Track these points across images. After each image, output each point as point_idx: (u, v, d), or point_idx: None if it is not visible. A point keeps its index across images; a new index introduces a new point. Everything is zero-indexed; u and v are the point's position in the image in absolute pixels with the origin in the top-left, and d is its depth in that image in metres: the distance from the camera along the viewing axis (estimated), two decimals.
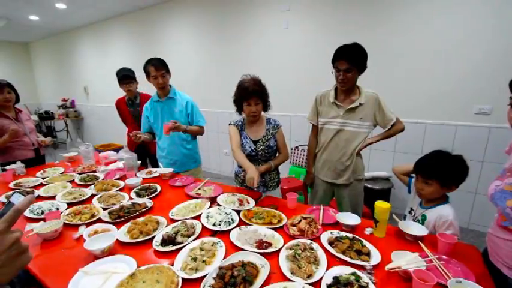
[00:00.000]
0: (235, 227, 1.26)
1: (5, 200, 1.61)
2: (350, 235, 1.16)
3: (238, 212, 1.40)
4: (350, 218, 1.29)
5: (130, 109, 2.81)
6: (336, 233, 1.20)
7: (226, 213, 1.38)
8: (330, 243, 1.12)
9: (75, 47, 6.30)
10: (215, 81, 4.14)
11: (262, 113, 1.76)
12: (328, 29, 3.03)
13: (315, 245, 1.09)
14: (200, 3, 3.99)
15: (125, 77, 2.65)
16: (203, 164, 2.49)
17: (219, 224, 1.28)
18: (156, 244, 1.13)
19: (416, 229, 1.17)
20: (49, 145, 2.59)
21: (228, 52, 3.89)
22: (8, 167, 2.09)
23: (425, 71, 2.62)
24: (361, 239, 1.13)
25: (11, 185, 1.86)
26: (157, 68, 1.97)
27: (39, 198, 1.67)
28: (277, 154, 1.83)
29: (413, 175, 1.42)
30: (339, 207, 1.83)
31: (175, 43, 4.44)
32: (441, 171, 1.22)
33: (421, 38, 2.57)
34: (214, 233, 1.24)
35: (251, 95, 1.60)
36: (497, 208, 0.93)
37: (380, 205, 1.18)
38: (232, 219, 1.32)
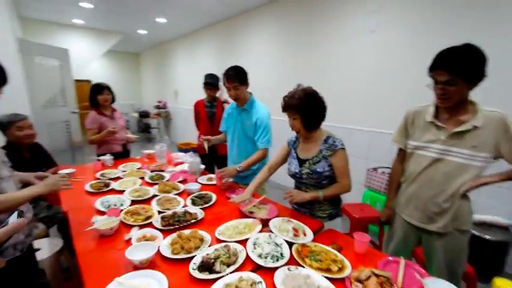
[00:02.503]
0: (284, 265, 1.05)
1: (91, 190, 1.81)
2: None
3: (290, 244, 1.18)
4: None
5: (207, 110, 3.00)
6: None
7: (276, 243, 1.17)
8: None
9: (170, 55, 7.20)
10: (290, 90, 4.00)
11: (323, 130, 1.51)
12: (428, 29, 2.48)
13: None
14: (281, 12, 3.93)
15: (208, 83, 2.86)
16: None
17: (265, 257, 1.08)
18: (193, 267, 1.02)
19: None
20: (134, 141, 2.91)
21: (308, 60, 3.67)
22: (101, 158, 2.42)
23: None
24: None
25: (98, 175, 2.12)
26: (228, 79, 1.89)
27: (113, 191, 1.82)
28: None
29: None
30: (428, 262, 1.38)
31: (255, 51, 4.50)
32: None
33: None
34: (257, 268, 1.05)
35: (285, 107, 1.44)
36: None
37: (503, 285, 0.77)
38: (281, 254, 1.10)
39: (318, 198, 1.44)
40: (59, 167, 2.21)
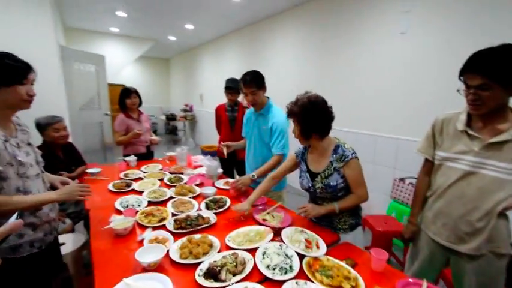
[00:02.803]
0: (292, 278, 1.00)
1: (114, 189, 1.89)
2: None
3: (302, 256, 1.12)
4: None
5: (228, 114, 3.01)
6: None
7: (286, 254, 1.13)
8: None
9: (197, 60, 7.43)
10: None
11: (332, 138, 1.43)
12: (463, 31, 2.29)
13: None
14: (306, 15, 3.88)
15: (229, 88, 2.89)
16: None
17: (273, 269, 1.04)
18: (198, 273, 1.01)
19: None
20: (158, 144, 3.01)
21: (333, 64, 3.55)
22: (126, 158, 2.53)
23: None
24: None
25: (121, 175, 2.21)
26: (245, 85, 1.87)
27: (133, 191, 1.88)
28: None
29: None
30: (457, 286, 1.24)
31: (280, 55, 4.47)
32: None
33: None
34: (263, 279, 1.01)
35: (288, 114, 1.40)
36: None
37: None
38: (290, 267, 1.05)
39: (334, 211, 1.37)
40: (87, 166, 2.34)
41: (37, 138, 2.05)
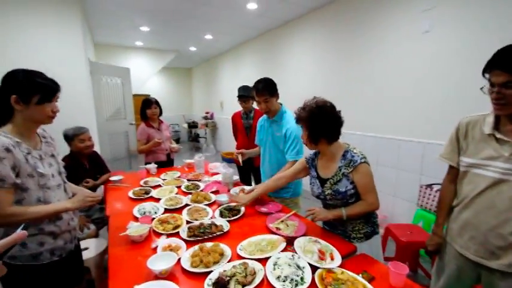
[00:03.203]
0: None
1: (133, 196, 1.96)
2: None
3: (315, 268, 1.08)
4: None
5: (244, 121, 3.03)
6: None
7: (298, 265, 1.09)
8: None
9: (217, 69, 7.61)
10: (334, 99, 3.82)
11: (342, 144, 1.38)
12: (492, 27, 2.12)
13: None
14: (324, 19, 3.83)
15: (242, 96, 2.92)
16: None
17: (284, 280, 1.01)
18: (208, 283, 1.01)
19: None
20: (177, 151, 3.09)
21: (353, 66, 3.45)
22: (147, 166, 2.62)
23: None
24: None
25: (141, 182, 2.29)
26: (257, 93, 1.88)
27: (151, 198, 1.94)
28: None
29: None
30: None
31: (298, 59, 4.44)
32: None
33: None
34: None
35: (296, 119, 1.39)
36: None
37: None
38: (301, 279, 1.02)
39: (341, 217, 1.31)
40: (111, 173, 2.46)
41: (66, 149, 2.20)
